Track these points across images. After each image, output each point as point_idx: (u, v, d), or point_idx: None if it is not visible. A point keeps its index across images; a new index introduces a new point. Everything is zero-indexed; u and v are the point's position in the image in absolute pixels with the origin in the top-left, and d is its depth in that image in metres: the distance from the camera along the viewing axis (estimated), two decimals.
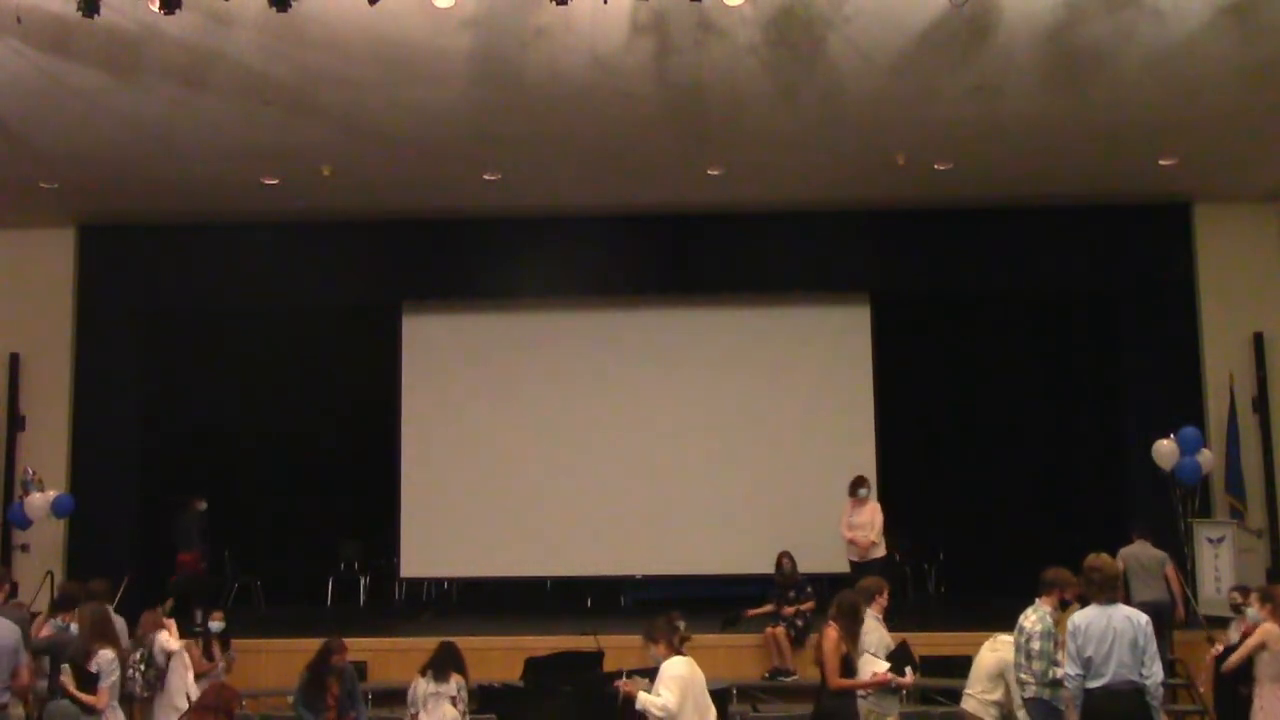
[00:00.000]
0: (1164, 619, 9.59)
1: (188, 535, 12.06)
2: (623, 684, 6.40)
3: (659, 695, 6.12)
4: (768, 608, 10.87)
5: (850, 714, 6.96)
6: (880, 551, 11.28)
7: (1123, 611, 6.23)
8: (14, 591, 9.64)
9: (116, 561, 11.84)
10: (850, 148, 10.85)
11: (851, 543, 11.23)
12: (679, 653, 6.35)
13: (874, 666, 7.09)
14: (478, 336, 13.65)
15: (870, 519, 11.26)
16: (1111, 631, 6.16)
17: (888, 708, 7.16)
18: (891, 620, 11.30)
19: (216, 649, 9.03)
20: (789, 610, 10.64)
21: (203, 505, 12.23)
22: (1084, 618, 6.31)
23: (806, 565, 12.93)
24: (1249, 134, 10.53)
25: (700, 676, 6.33)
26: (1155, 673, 6.13)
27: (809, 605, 10.64)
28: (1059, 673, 6.48)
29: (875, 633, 7.26)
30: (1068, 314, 13.80)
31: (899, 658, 7.22)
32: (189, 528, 12.11)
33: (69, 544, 12.54)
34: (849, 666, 6.90)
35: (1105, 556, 6.60)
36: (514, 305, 13.53)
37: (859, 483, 11.46)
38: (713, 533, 12.95)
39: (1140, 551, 10.13)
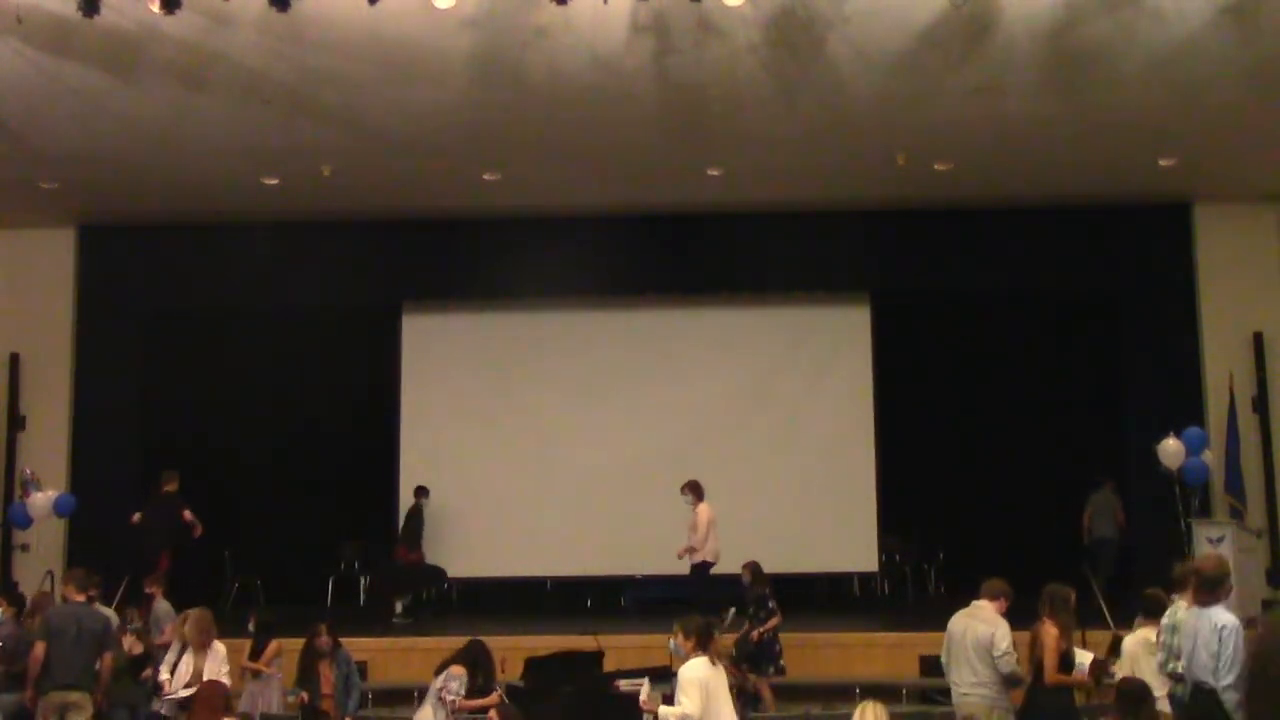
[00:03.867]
0: (1109, 551, 12.18)
1: (410, 528, 12.67)
2: (645, 703, 6.42)
3: (679, 703, 6.13)
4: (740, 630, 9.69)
5: (1068, 710, 6.92)
6: (704, 558, 11.07)
7: (1210, 614, 6.12)
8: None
9: (116, 561, 11.84)
10: (850, 148, 10.85)
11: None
12: (709, 656, 6.32)
13: (1084, 660, 7.10)
14: (478, 336, 13.65)
15: (693, 524, 11.12)
16: (1195, 633, 6.15)
17: (1006, 703, 7.07)
18: (890, 620, 11.34)
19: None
20: (755, 635, 9.46)
21: (425, 501, 12.82)
22: (1183, 616, 6.42)
23: (807, 564, 12.99)
24: (1249, 134, 10.54)
25: (723, 678, 6.33)
26: (1227, 678, 5.98)
27: (774, 622, 9.51)
28: (1175, 667, 6.60)
29: (1005, 626, 7.12)
30: (1068, 314, 13.79)
31: None
32: (414, 521, 12.68)
33: (69, 544, 12.55)
34: (1068, 662, 6.87)
35: (1215, 557, 6.60)
36: (514, 305, 13.53)
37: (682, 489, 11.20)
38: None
39: (1105, 497, 12.44)
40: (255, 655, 8.87)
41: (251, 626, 9.07)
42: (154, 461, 13.21)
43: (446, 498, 13.30)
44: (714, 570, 11.22)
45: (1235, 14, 8.28)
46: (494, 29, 8.41)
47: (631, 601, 13.22)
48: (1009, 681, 7.02)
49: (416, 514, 12.77)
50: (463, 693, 7.75)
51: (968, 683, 7.10)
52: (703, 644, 6.32)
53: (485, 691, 7.86)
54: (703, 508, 11.17)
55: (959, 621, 7.27)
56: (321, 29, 8.32)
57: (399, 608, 12.31)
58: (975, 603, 7.32)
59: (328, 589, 13.48)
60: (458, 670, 7.81)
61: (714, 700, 6.15)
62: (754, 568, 9.90)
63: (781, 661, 9.61)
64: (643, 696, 6.53)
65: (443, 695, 7.64)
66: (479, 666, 7.96)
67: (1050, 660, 6.79)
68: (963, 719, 7.20)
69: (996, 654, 7.01)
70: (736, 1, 7.93)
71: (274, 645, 8.96)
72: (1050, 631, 6.85)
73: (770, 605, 9.55)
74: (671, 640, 6.65)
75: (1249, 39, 8.61)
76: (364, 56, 8.72)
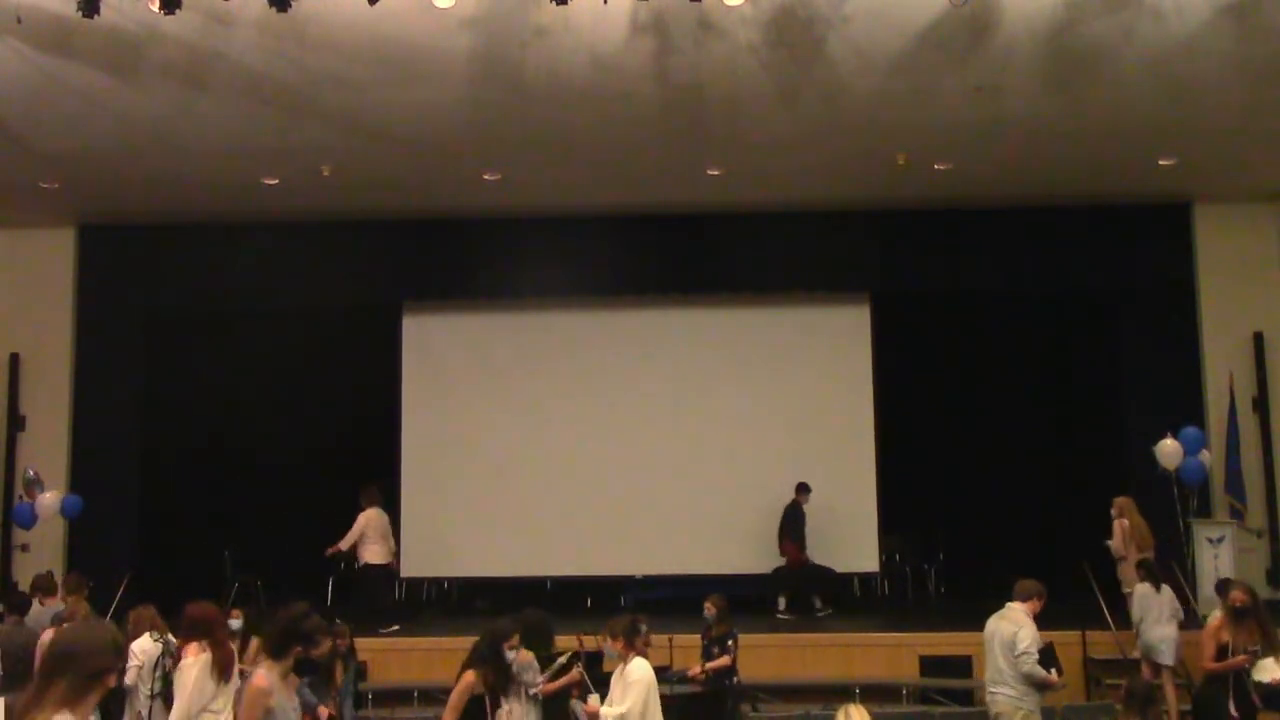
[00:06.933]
0: None
1: (795, 527, 12.53)
2: (586, 709, 6.40)
3: (621, 703, 6.23)
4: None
5: (1211, 699, 7.11)
6: (369, 559, 11.86)
7: None
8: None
9: (117, 561, 11.86)
10: (850, 148, 10.85)
11: None
12: (640, 654, 6.43)
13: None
14: (478, 336, 13.65)
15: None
16: None
17: (1031, 704, 7.11)
18: (890, 620, 11.31)
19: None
20: (695, 672, 8.69)
21: (805, 500, 12.63)
22: None
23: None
24: (1249, 134, 10.53)
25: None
26: None
27: (721, 662, 8.60)
28: None
29: (1028, 628, 7.18)
30: (1068, 314, 13.80)
31: (1044, 658, 7.16)
32: (796, 520, 12.56)
33: (69, 543, 12.55)
34: (1227, 653, 7.06)
35: None
36: (514, 305, 13.53)
37: None
38: (713, 533, 12.95)
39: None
40: (239, 655, 8.85)
41: (237, 624, 9.04)
42: (154, 461, 13.25)
43: (446, 497, 13.32)
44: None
45: (1235, 14, 8.29)
46: (494, 29, 8.41)
47: (631, 601, 13.21)
48: (1033, 683, 7.03)
49: (796, 509, 12.62)
50: (540, 678, 6.96)
51: (995, 682, 7.18)
52: (631, 642, 6.42)
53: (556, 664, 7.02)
54: (367, 513, 11.85)
55: (991, 623, 7.37)
56: (321, 29, 8.32)
57: (781, 604, 12.31)
58: (1008, 604, 7.37)
59: (328, 589, 13.49)
60: (525, 657, 6.77)
61: (654, 700, 6.27)
62: (722, 605, 8.84)
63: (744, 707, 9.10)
64: (587, 707, 6.48)
65: (524, 690, 6.76)
66: (539, 639, 6.98)
67: (1207, 649, 7.08)
68: (991, 718, 7.21)
69: (1016, 653, 7.05)
70: (736, 1, 7.93)
71: (255, 643, 8.95)
72: (1210, 625, 7.14)
73: (729, 645, 8.60)
74: (604, 646, 6.70)
75: (1249, 39, 8.61)
76: (364, 56, 8.72)
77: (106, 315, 13.13)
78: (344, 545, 11.80)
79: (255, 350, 13.59)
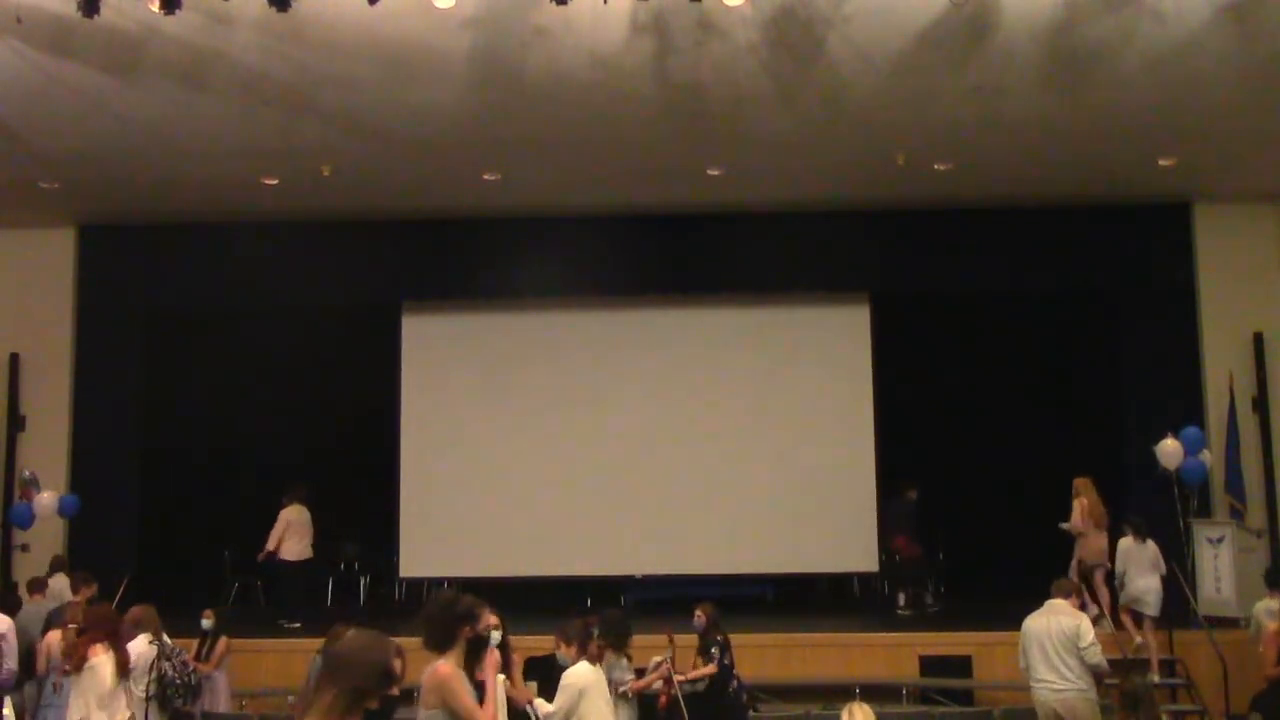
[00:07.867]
0: None
1: (902, 520, 12.71)
2: (531, 700, 6.51)
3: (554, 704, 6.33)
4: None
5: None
6: (284, 556, 12.04)
7: None
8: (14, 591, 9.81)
9: (116, 561, 11.85)
10: (850, 148, 10.85)
11: None
12: (589, 658, 6.46)
13: None
14: (478, 336, 13.65)
15: None
16: None
17: (1095, 695, 7.19)
18: (890, 620, 11.31)
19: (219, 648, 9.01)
20: (678, 680, 8.11)
21: (913, 494, 12.83)
22: None
23: (807, 564, 13.02)
24: (1249, 134, 10.53)
25: (604, 682, 6.52)
26: None
27: (707, 671, 8.34)
28: None
29: (1087, 620, 7.32)
30: (1068, 314, 13.80)
31: None
32: (902, 513, 12.74)
33: (69, 544, 12.55)
34: None
35: None
36: (514, 305, 13.52)
37: None
38: (713, 533, 12.95)
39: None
40: (205, 655, 8.87)
41: (208, 624, 9.04)
42: (154, 461, 13.25)
43: (446, 497, 13.30)
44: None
45: (1235, 14, 8.28)
46: (494, 29, 8.41)
47: (631, 601, 13.22)
48: (1097, 675, 7.05)
49: (904, 503, 12.78)
50: (630, 676, 7.16)
51: (1062, 679, 7.10)
52: (584, 647, 6.47)
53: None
54: (286, 511, 12.11)
55: (1037, 620, 7.30)
56: (321, 29, 8.32)
57: (901, 600, 12.36)
58: (1049, 602, 7.34)
59: (328, 589, 13.50)
60: (614, 657, 6.92)
61: (588, 700, 6.31)
62: (711, 614, 8.64)
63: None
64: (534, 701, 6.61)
65: (614, 688, 6.90)
66: (618, 637, 7.04)
67: (1268, 654, 7.17)
68: (1051, 715, 7.15)
69: (1083, 645, 7.04)
70: (736, 1, 7.93)
71: (222, 644, 8.96)
72: (1268, 631, 7.21)
73: (712, 652, 8.39)
74: (557, 651, 6.75)
75: (1249, 39, 8.61)
76: (364, 56, 8.72)
77: (106, 315, 13.12)
78: (271, 545, 11.98)
79: (255, 350, 13.59)
